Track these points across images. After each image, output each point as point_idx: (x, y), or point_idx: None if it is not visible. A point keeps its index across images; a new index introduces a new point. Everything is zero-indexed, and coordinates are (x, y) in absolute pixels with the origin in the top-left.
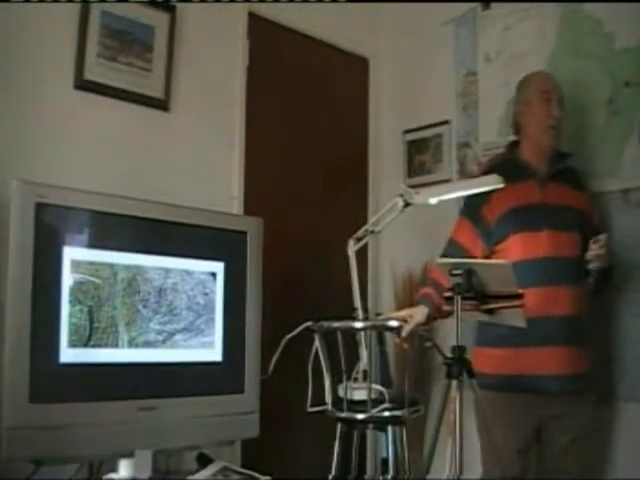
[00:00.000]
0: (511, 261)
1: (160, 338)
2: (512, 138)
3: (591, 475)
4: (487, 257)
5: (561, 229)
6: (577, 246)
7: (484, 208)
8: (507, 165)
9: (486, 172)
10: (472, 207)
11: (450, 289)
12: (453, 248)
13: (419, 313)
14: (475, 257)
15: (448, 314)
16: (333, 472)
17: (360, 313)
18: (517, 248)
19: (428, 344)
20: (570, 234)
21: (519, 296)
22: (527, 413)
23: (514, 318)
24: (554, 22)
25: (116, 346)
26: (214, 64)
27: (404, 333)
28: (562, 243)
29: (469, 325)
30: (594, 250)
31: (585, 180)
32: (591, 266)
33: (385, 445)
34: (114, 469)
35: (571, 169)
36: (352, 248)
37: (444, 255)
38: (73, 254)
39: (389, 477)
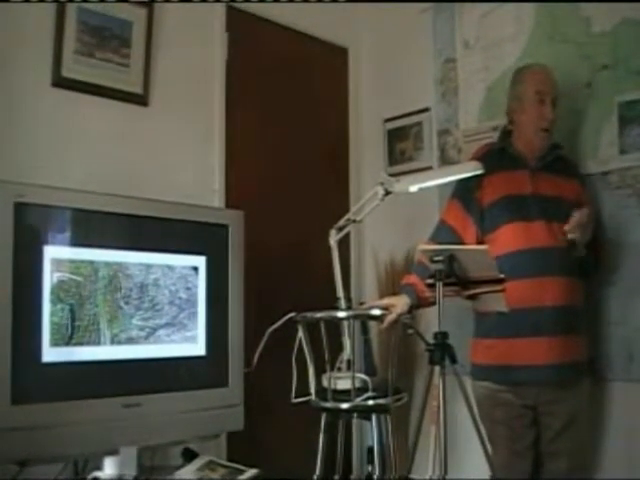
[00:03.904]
0: (504, 251)
1: (143, 334)
2: (494, 125)
3: (584, 456)
4: (480, 243)
5: (553, 220)
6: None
7: (477, 192)
8: (499, 154)
9: (478, 159)
10: (465, 190)
11: (432, 276)
12: (444, 230)
13: (401, 303)
14: (466, 240)
15: (432, 303)
16: (319, 462)
17: (343, 302)
18: (510, 238)
19: (410, 331)
20: (562, 225)
21: (500, 281)
22: (522, 400)
23: (496, 303)
24: (531, 7)
25: (99, 344)
26: (193, 58)
27: (385, 324)
28: (554, 234)
29: (454, 311)
30: (575, 218)
31: (576, 169)
32: (570, 236)
33: (370, 434)
34: (99, 467)
35: (562, 158)
36: (334, 238)
37: (434, 237)
38: (53, 253)
39: (375, 468)
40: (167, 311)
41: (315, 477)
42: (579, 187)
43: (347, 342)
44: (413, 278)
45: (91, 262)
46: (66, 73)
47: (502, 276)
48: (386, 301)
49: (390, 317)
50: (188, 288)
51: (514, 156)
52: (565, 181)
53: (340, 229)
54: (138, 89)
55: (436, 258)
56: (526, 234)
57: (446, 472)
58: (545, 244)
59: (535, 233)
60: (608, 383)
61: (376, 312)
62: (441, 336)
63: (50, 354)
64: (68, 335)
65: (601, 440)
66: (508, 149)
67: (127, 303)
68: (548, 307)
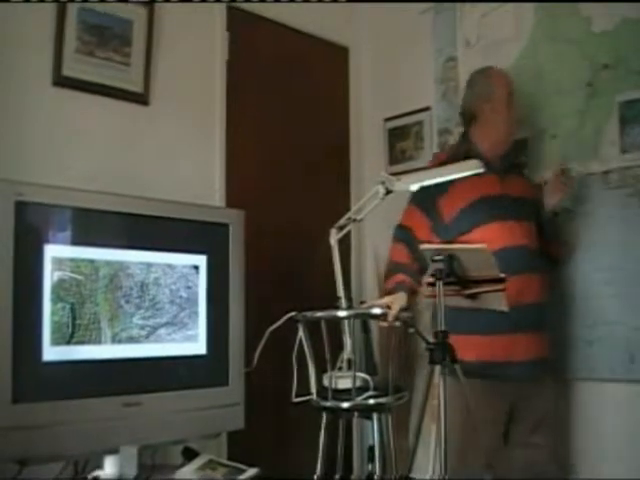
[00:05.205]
0: None
1: (143, 333)
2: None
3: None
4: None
5: (523, 219)
6: (535, 236)
7: (440, 200)
8: (465, 158)
9: (445, 163)
10: (426, 197)
11: (432, 275)
12: (409, 238)
13: (399, 299)
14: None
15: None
16: (319, 462)
17: (343, 302)
18: (486, 238)
19: (411, 330)
20: (530, 224)
21: (501, 280)
22: (500, 398)
23: (496, 302)
24: (532, 7)
25: (99, 342)
26: (193, 57)
27: (391, 317)
28: (526, 233)
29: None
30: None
31: (523, 168)
32: (551, 201)
33: (371, 433)
34: (100, 466)
35: (517, 161)
36: (334, 237)
37: (399, 241)
38: (54, 251)
39: (376, 467)
40: (168, 310)
41: (315, 477)
42: (532, 185)
43: (348, 341)
44: (401, 276)
45: (92, 261)
46: (67, 72)
47: (502, 275)
48: (386, 299)
49: (393, 312)
50: (189, 287)
51: (480, 159)
52: (522, 181)
53: (341, 228)
54: (139, 88)
55: (436, 257)
56: (502, 234)
57: (446, 472)
58: (520, 243)
59: (510, 233)
60: (609, 383)
61: (376, 311)
62: (442, 335)
63: (51, 353)
64: (69, 334)
65: (603, 441)
66: (473, 153)
67: (128, 302)
68: (526, 305)
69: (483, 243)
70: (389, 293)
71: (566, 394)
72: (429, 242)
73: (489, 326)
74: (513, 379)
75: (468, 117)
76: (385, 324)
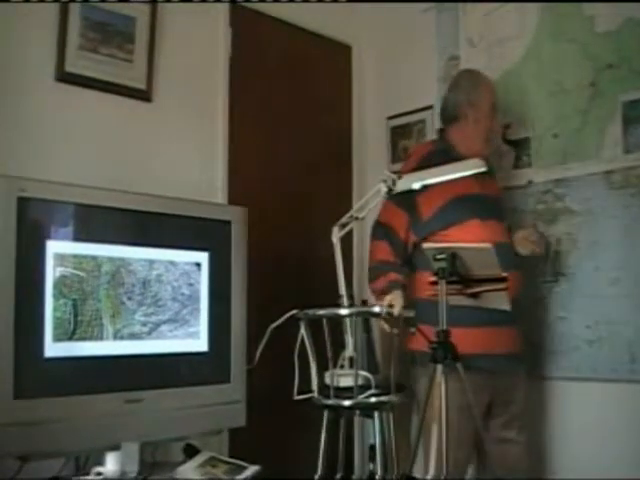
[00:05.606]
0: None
1: (145, 329)
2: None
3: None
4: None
5: (499, 219)
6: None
7: (418, 198)
8: (444, 156)
9: (423, 161)
10: (404, 194)
11: (435, 273)
12: (390, 235)
13: (399, 297)
14: (402, 236)
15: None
16: (320, 460)
17: (345, 300)
18: (463, 237)
19: (412, 329)
20: (503, 223)
21: (503, 279)
22: (482, 390)
23: (499, 301)
24: (535, 6)
25: (101, 339)
26: (196, 54)
27: (396, 313)
28: (502, 231)
29: None
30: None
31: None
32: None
33: (372, 431)
34: (101, 463)
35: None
36: (336, 235)
37: (381, 239)
38: (56, 247)
39: (377, 466)
40: (170, 307)
41: (316, 477)
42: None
43: (349, 340)
44: (393, 275)
45: (94, 257)
46: (69, 68)
47: (505, 274)
48: (387, 298)
49: (397, 308)
50: (191, 284)
51: (459, 159)
52: (495, 183)
53: (343, 226)
54: (141, 85)
55: (439, 256)
56: (483, 232)
57: (447, 472)
58: (502, 240)
59: (492, 231)
60: (611, 383)
61: (378, 309)
62: (443, 334)
63: (52, 349)
64: (71, 330)
65: (604, 441)
66: (452, 151)
67: (130, 299)
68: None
69: (461, 241)
70: (383, 292)
71: (566, 394)
72: (408, 239)
73: (472, 319)
74: (494, 371)
75: (449, 117)
76: (387, 327)
